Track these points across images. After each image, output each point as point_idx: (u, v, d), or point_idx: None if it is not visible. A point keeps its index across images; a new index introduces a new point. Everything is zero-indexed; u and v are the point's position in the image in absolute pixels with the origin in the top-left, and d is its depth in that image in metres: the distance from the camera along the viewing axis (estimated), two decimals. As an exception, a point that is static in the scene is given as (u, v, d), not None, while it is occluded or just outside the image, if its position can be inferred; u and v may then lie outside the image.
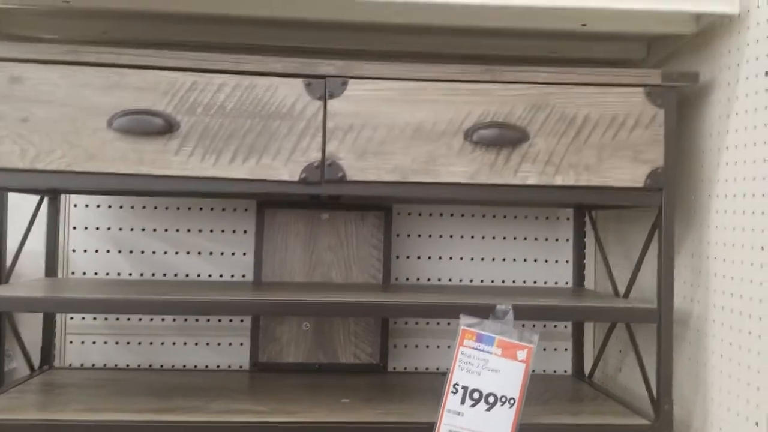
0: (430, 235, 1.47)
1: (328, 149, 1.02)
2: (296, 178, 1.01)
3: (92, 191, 1.15)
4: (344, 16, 1.10)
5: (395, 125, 1.02)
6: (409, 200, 1.35)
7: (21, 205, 1.35)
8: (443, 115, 1.02)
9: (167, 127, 1.00)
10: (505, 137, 1.02)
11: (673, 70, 1.04)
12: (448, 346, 1.46)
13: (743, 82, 0.98)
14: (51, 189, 1.05)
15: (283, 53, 1.09)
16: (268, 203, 1.37)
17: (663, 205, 1.03)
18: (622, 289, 1.25)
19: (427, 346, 1.46)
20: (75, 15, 1.18)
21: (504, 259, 1.48)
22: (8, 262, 1.27)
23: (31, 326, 1.40)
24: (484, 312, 0.99)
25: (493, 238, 1.48)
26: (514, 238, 1.48)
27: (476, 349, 0.97)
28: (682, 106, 1.16)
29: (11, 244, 1.37)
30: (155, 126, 0.99)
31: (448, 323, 1.46)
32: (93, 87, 1.00)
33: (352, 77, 1.02)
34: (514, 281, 1.48)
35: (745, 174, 0.97)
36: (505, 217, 1.48)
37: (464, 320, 0.98)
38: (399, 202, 1.41)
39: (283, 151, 1.01)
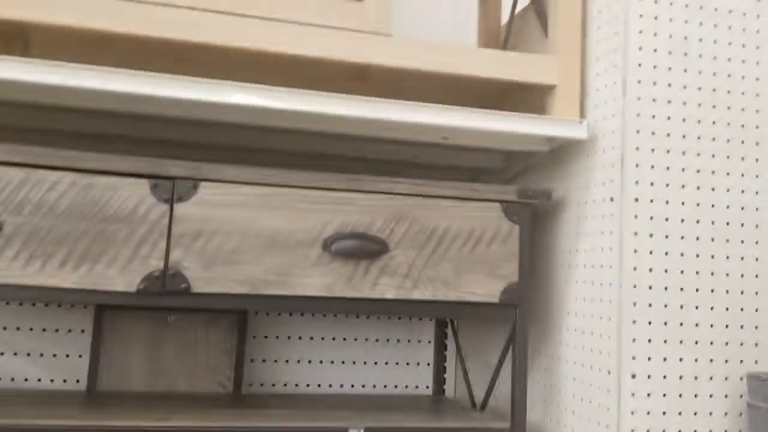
0: (288, 337, 1.40)
1: (172, 257, 0.94)
2: (133, 289, 0.92)
3: None
4: (192, 114, 1.04)
5: (249, 233, 0.96)
6: (259, 311, 1.28)
7: None
8: (301, 223, 0.98)
9: (-14, 228, 0.88)
10: (365, 249, 0.99)
11: (528, 186, 1.06)
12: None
13: (591, 204, 1.02)
14: None
15: (126, 144, 1.01)
16: (108, 306, 1.25)
17: (517, 321, 1.03)
18: (480, 396, 1.23)
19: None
20: None
21: (365, 363, 1.43)
22: None
23: None
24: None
25: (355, 339, 1.43)
26: (376, 340, 1.44)
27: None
28: (538, 220, 1.18)
29: None
30: (-29, 226, 0.88)
31: None
32: None
33: (204, 180, 0.96)
34: (374, 385, 1.43)
35: (593, 295, 1.00)
36: (367, 317, 1.44)
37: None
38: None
39: (120, 258, 0.92)
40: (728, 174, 0.98)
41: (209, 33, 0.95)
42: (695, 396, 0.94)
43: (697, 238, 0.96)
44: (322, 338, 1.42)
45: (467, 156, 1.30)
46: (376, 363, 1.43)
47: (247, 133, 1.15)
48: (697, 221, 0.96)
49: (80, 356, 1.29)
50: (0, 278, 0.88)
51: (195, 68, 1.03)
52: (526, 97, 1.14)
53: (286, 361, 1.39)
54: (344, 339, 1.42)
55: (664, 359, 0.94)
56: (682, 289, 0.95)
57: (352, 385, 1.42)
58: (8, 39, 0.99)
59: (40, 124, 1.10)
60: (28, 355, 1.27)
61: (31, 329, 1.28)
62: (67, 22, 0.92)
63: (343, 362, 1.42)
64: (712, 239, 0.97)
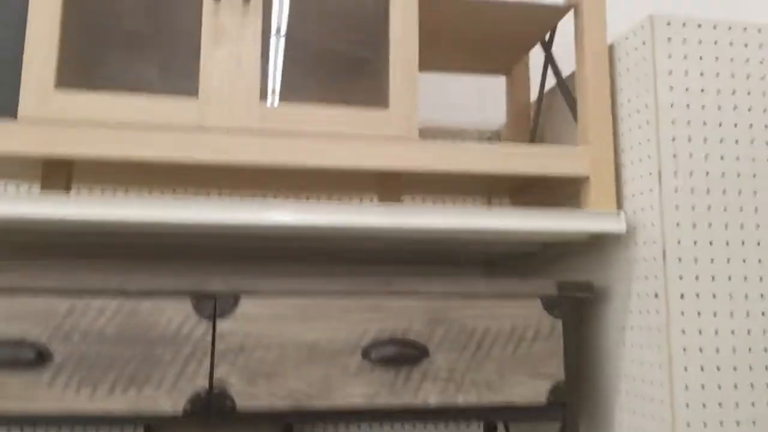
0: None
1: (217, 375, 0.95)
2: (180, 411, 0.94)
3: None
4: (230, 231, 1.07)
5: (289, 345, 0.97)
6: (304, 426, 1.28)
7: None
8: (339, 332, 0.99)
9: (39, 359, 0.92)
10: (405, 355, 0.99)
11: (568, 280, 1.04)
12: None
13: (636, 299, 0.99)
14: None
15: (168, 254, 1.04)
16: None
17: (566, 421, 1.00)
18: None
19: None
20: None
21: (418, 447, 1.41)
22: None
23: None
24: None
25: None
26: None
27: None
28: (582, 312, 1.16)
29: None
30: (25, 358, 0.91)
31: None
32: (-44, 315, 0.91)
33: (243, 293, 0.98)
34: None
35: (643, 393, 0.96)
36: (414, 426, 1.43)
37: None
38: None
39: (166, 380, 0.94)
40: (778, 260, 0.94)
41: (240, 153, 0.98)
42: (760, 500, 0.89)
43: (749, 332, 0.92)
44: None
45: (502, 245, 1.28)
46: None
47: (284, 236, 1.17)
48: (747, 314, 0.93)
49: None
50: (54, 407, 0.91)
51: (229, 183, 1.06)
52: (556, 184, 1.13)
53: (339, 450, 1.39)
54: None
55: (723, 461, 0.89)
56: (735, 386, 0.91)
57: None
58: (53, 170, 1.04)
59: (82, 242, 1.14)
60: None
61: None
62: (111, 155, 0.96)
63: (395, 449, 1.40)
64: (764, 331, 0.93)
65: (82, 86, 0.97)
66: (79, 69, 1.01)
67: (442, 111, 1.59)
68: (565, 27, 1.22)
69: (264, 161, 0.98)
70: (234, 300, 0.98)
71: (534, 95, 1.38)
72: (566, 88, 1.15)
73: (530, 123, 1.36)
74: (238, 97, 0.98)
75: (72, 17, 1.03)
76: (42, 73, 0.95)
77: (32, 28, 0.95)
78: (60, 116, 0.96)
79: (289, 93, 1.04)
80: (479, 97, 1.60)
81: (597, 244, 1.12)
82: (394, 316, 1.00)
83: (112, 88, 0.98)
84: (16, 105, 0.95)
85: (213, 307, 0.97)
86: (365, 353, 0.99)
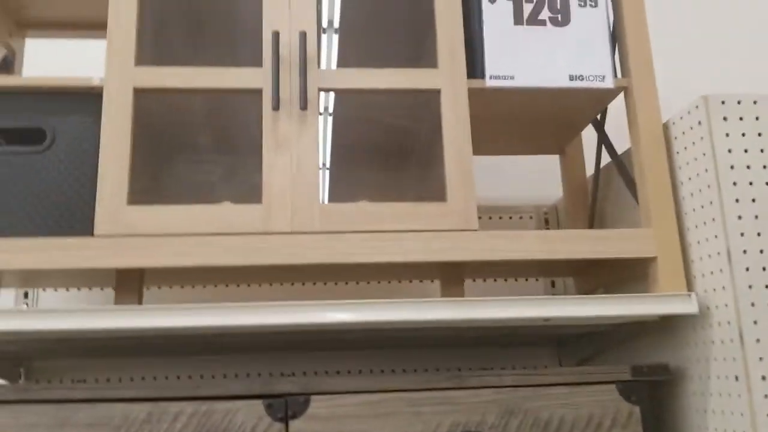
0: None
1: (292, 477, 0.95)
2: None
3: None
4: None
5: (361, 444, 0.97)
6: None
7: None
8: (411, 428, 0.98)
9: (119, 467, 0.94)
10: (478, 450, 0.97)
11: (643, 363, 1.01)
12: None
13: (715, 381, 0.96)
14: None
15: (237, 353, 1.06)
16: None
17: None
18: None
19: None
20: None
21: None
22: None
23: None
24: None
25: None
26: None
27: None
28: (659, 396, 1.12)
29: None
30: (106, 467, 0.93)
31: None
32: (42, 426, 0.95)
33: (314, 394, 0.99)
34: None
35: (734, 480, 0.92)
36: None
37: None
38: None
39: (243, 483, 0.95)
40: None
41: (305, 255, 1.00)
42: None
43: (843, 415, 0.88)
44: None
45: (572, 327, 1.27)
46: None
47: (347, 354, 1.19)
48: (839, 395, 0.88)
49: None
50: None
51: (295, 276, 1.08)
52: (622, 264, 1.12)
53: None
54: None
55: None
56: (835, 475, 0.86)
57: None
58: (126, 276, 1.09)
59: (155, 343, 1.18)
60: None
61: None
62: (181, 264, 1.00)
63: None
64: None
65: (152, 201, 1.02)
66: (149, 183, 1.07)
67: (498, 190, 1.60)
68: (617, 103, 1.23)
69: (328, 261, 1.01)
70: (305, 401, 0.98)
71: (589, 171, 1.38)
72: (623, 167, 1.15)
73: (588, 198, 1.35)
74: (299, 200, 1.02)
75: (141, 134, 1.09)
76: (115, 191, 1.01)
77: (105, 149, 1.02)
78: (132, 231, 1.01)
79: (347, 192, 1.07)
80: (534, 174, 1.61)
81: (669, 325, 1.09)
82: (466, 409, 0.99)
83: (179, 200, 1.03)
84: (92, 222, 1.00)
85: (285, 409, 0.98)
86: (438, 449, 0.97)
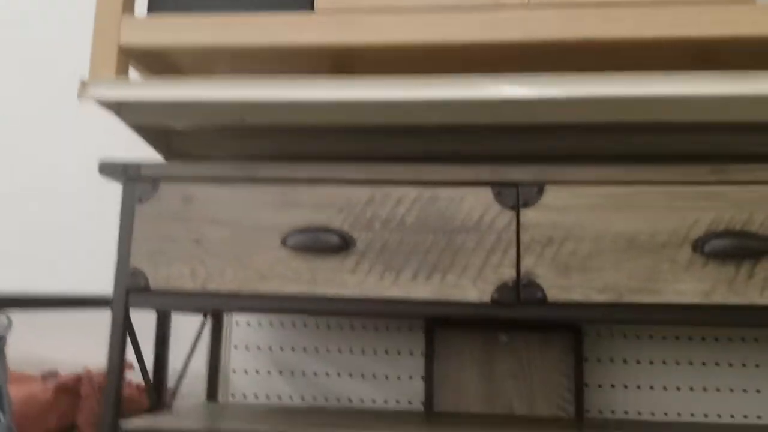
0: (624, 360, 1.26)
1: (524, 265, 0.87)
2: (487, 299, 0.87)
3: (263, 312, 1.07)
4: (541, 119, 0.97)
5: (603, 236, 0.87)
6: (622, 322, 1.16)
7: (182, 323, 1.32)
8: (664, 223, 0.86)
9: (343, 244, 0.90)
10: (746, 249, 0.83)
11: None
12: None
13: None
14: (220, 310, 0.98)
15: (465, 161, 0.98)
16: (438, 322, 1.23)
17: None
18: None
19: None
20: (248, 134, 1.14)
21: (718, 390, 1.23)
22: (171, 382, 1.21)
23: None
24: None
25: (703, 364, 1.24)
26: (730, 365, 1.24)
27: None
28: None
29: (173, 364, 1.33)
30: (331, 243, 0.90)
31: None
32: (266, 205, 0.93)
33: (548, 183, 0.89)
34: (732, 416, 1.22)
35: None
36: (716, 340, 1.24)
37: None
38: (594, 323, 1.22)
39: (470, 268, 0.88)
40: None
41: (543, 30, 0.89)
42: None
43: None
44: (663, 362, 1.25)
45: None
46: (731, 390, 1.23)
47: (587, 137, 1.06)
48: None
49: (410, 377, 1.29)
50: (359, 291, 0.89)
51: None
52: None
53: (625, 386, 1.25)
54: (690, 363, 1.24)
55: None
56: None
57: (706, 415, 1.23)
58: (341, 63, 1.03)
59: (381, 151, 1.12)
60: (362, 376, 1.31)
61: (362, 351, 1.31)
62: (396, 40, 0.92)
63: (691, 389, 1.23)
64: None
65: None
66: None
67: None
68: None
69: (568, 35, 0.88)
70: (538, 189, 0.89)
71: None
72: None
73: None
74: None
75: None
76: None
77: None
78: (354, 5, 0.94)
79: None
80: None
81: None
82: (730, 206, 0.85)
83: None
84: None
85: (516, 197, 0.89)
86: (696, 246, 0.85)
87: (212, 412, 1.14)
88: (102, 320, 1.07)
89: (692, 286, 0.84)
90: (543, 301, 0.86)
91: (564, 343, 1.20)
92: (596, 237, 0.87)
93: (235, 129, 1.09)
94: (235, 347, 1.35)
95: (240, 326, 1.34)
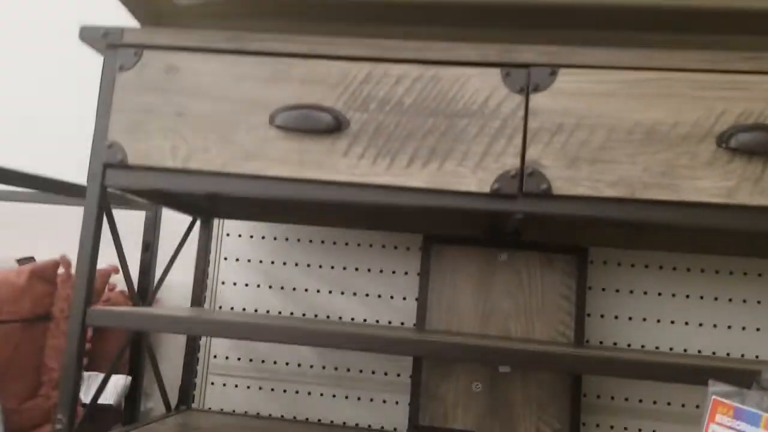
0: (631, 291, 1.19)
1: (529, 154, 0.80)
2: (487, 189, 0.80)
3: (246, 196, 0.99)
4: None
5: (619, 126, 0.79)
6: (633, 222, 1.06)
7: (172, 231, 1.26)
8: (686, 114, 0.78)
9: (336, 125, 0.83)
10: (776, 144, 0.75)
11: None
12: None
13: None
14: (203, 194, 0.90)
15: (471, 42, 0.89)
16: (436, 238, 1.17)
17: None
18: None
19: (640, 430, 1.16)
20: (240, 4, 1.06)
21: (729, 327, 1.16)
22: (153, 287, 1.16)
23: (171, 364, 1.27)
24: (738, 378, 0.71)
25: (715, 299, 1.17)
26: (744, 301, 1.17)
27: (732, 428, 0.69)
28: None
29: (157, 271, 1.27)
30: (323, 123, 0.83)
31: (654, 402, 1.16)
32: (255, 79, 0.86)
33: (562, 66, 0.81)
34: (743, 354, 1.16)
35: None
36: (731, 273, 1.17)
37: (715, 388, 0.70)
38: (598, 243, 1.15)
39: (471, 155, 0.81)
40: None
41: None
42: None
43: None
44: (673, 295, 1.18)
45: None
46: (744, 328, 1.16)
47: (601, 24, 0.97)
48: None
49: (404, 298, 1.23)
50: (349, 176, 0.83)
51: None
52: None
53: (629, 318, 1.19)
54: (701, 297, 1.17)
55: None
56: None
57: (714, 352, 1.16)
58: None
59: (380, 29, 1.03)
60: (355, 294, 1.25)
61: (356, 269, 1.25)
62: None
63: (700, 324, 1.17)
64: None
65: None
66: None
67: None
68: None
69: None
70: (551, 72, 0.81)
71: None
72: None
73: None
74: None
75: None
76: None
77: None
78: None
79: None
80: None
81: None
82: (761, 97, 0.77)
83: None
84: None
85: (526, 79, 0.81)
86: (721, 140, 0.77)
87: (196, 311, 1.09)
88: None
89: (714, 183, 0.76)
90: (548, 192, 0.79)
91: (568, 265, 1.13)
92: (611, 126, 0.79)
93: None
94: (225, 259, 1.29)
95: (231, 237, 1.29)
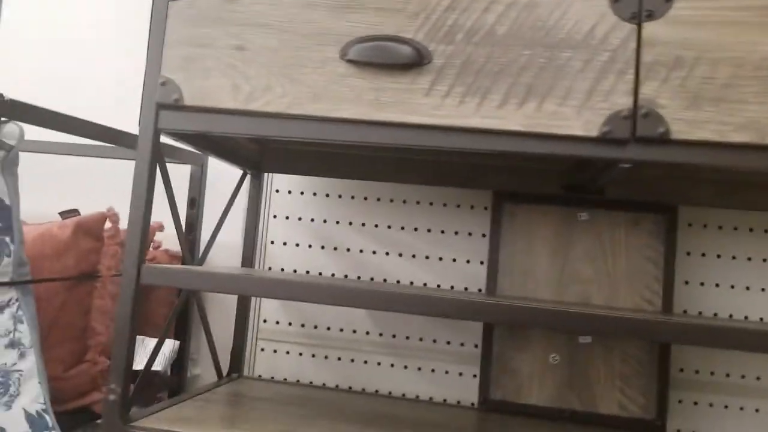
0: (718, 256, 1.08)
1: (643, 92, 0.69)
2: (594, 133, 0.70)
3: (314, 140, 0.90)
4: None
5: (748, 60, 0.68)
6: (760, 171, 0.95)
7: (216, 187, 1.18)
8: (831, 45, 0.67)
9: (416, 59, 0.73)
10: None
11: None
12: (757, 410, 1.05)
13: None
14: (263, 138, 0.81)
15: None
16: (507, 195, 1.07)
17: None
18: None
19: (726, 407, 1.06)
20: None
21: (828, 296, 1.05)
22: (201, 249, 1.08)
23: (219, 328, 1.20)
24: None
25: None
26: None
27: None
28: None
29: (205, 233, 1.20)
30: (401, 57, 0.73)
31: (743, 376, 1.06)
32: (324, 7, 0.76)
33: (681, -8, 0.70)
34: None
35: None
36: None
37: None
38: (684, 202, 1.04)
39: (575, 93, 0.71)
40: None
41: None
42: None
43: None
44: (765, 260, 1.07)
45: None
46: (844, 298, 1.05)
47: None
48: None
49: (468, 261, 1.13)
50: (432, 118, 0.73)
51: None
52: None
53: (716, 285, 1.08)
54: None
55: None
56: None
57: (813, 324, 1.05)
58: None
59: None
60: (414, 257, 1.16)
61: (415, 229, 1.16)
62: None
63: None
64: None
65: None
66: None
67: None
68: None
69: None
70: (667, -2, 0.70)
71: None
72: None
73: None
74: None
75: None
76: None
77: None
78: None
79: None
80: None
81: None
82: None
83: None
84: None
85: (638, 5, 0.71)
86: None
87: (247, 271, 1.01)
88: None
89: None
90: (665, 137, 0.68)
91: (655, 225, 1.03)
92: (738, 61, 0.68)
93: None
94: (274, 217, 1.21)
95: (280, 194, 1.20)
